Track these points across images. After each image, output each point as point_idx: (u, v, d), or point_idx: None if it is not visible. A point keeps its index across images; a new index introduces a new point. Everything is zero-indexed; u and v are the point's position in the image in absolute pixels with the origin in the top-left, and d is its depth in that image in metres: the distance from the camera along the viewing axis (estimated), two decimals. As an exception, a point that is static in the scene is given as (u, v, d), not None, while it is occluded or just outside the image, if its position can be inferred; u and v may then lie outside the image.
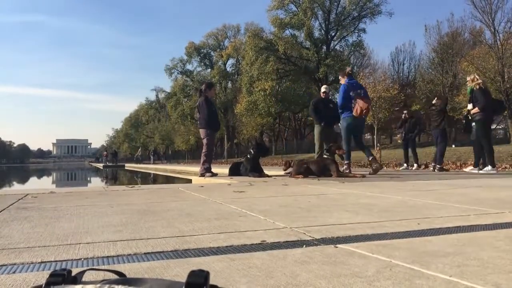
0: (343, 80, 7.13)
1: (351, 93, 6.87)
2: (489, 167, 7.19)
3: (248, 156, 7.10)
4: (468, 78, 7.87)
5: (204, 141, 7.14)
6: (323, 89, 8.37)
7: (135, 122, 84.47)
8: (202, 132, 7.17)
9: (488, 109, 7.21)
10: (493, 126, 33.45)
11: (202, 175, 6.98)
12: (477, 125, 7.31)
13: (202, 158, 7.16)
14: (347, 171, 6.57)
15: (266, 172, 7.02)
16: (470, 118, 7.56)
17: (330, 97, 8.78)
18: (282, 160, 19.79)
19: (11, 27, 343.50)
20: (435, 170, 8.21)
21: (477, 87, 7.27)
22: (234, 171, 7.22)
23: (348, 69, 7.45)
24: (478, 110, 7.13)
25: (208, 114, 7.01)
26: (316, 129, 8.05)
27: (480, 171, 7.32)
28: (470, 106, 7.43)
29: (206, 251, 1.45)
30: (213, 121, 7.18)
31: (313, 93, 33.55)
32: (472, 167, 7.71)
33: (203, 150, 7.17)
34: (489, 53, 24.80)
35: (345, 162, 6.86)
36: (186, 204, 2.94)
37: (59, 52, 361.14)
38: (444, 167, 8.57)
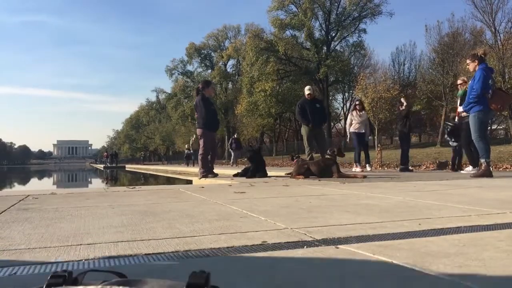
0: (473, 65, 5.95)
1: (489, 81, 5.80)
2: (470, 168, 7.39)
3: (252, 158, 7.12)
4: (459, 81, 7.89)
5: (200, 142, 6.81)
6: (306, 90, 8.17)
7: (136, 123, 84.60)
8: (198, 132, 6.85)
9: None
10: (494, 127, 33.45)
11: (204, 176, 6.73)
12: (466, 127, 7.37)
13: (199, 162, 6.87)
14: (484, 171, 5.75)
15: (267, 172, 7.04)
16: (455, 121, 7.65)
17: (315, 97, 8.51)
18: (282, 161, 19.81)
19: (12, 27, 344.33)
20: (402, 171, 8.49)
21: None
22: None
23: (481, 51, 6.23)
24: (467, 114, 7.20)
25: (206, 113, 6.66)
26: (304, 131, 7.99)
27: (462, 171, 7.45)
28: (460, 108, 7.45)
29: (207, 252, 1.45)
30: (211, 120, 6.80)
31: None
32: (471, 168, 7.73)
33: (199, 152, 6.86)
34: (489, 53, 24.78)
35: (485, 160, 5.87)
36: (186, 205, 2.94)
37: (59, 52, 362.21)
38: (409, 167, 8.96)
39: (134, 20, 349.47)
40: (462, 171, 7.89)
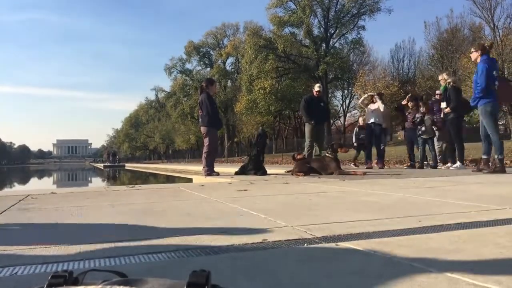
0: (475, 55, 5.85)
1: (494, 73, 5.68)
2: (458, 164, 7.39)
3: (252, 156, 7.11)
4: (440, 77, 7.88)
5: (206, 140, 6.77)
6: (316, 87, 8.29)
7: (135, 122, 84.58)
8: (203, 130, 6.78)
9: (459, 108, 7.30)
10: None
11: (209, 174, 6.70)
12: (450, 123, 7.43)
13: (204, 160, 6.79)
14: (498, 166, 5.60)
15: (267, 170, 7.03)
16: (442, 116, 7.73)
17: (322, 96, 8.61)
18: (282, 159, 19.81)
19: (11, 26, 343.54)
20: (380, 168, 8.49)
21: (451, 85, 7.39)
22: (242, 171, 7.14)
23: (487, 42, 6.17)
24: (450, 110, 7.24)
25: (212, 111, 6.66)
26: (307, 127, 8.10)
27: (451, 167, 7.48)
28: (444, 104, 7.48)
29: (207, 251, 1.45)
30: (216, 119, 6.85)
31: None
32: (450, 164, 7.73)
33: (205, 150, 6.82)
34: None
35: (499, 157, 5.71)
36: (187, 203, 2.94)
37: (58, 50, 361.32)
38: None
39: (133, 18, 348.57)
40: (451, 168, 7.85)
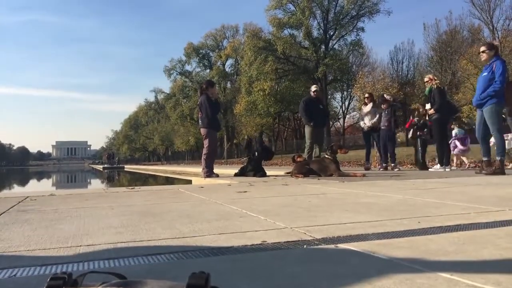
0: (489, 55, 5.59)
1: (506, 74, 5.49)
2: (438, 166, 7.55)
3: (252, 157, 7.08)
4: (426, 78, 7.86)
5: (206, 142, 6.78)
6: (313, 88, 8.37)
7: (135, 123, 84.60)
8: (203, 131, 6.80)
9: (443, 110, 7.35)
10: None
11: (208, 176, 6.70)
12: (433, 124, 7.50)
13: (203, 161, 6.79)
14: (497, 168, 5.54)
15: (266, 172, 7.03)
16: (427, 118, 7.83)
17: (320, 97, 8.66)
18: (282, 160, 19.81)
19: (11, 27, 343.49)
20: (394, 170, 8.36)
21: (436, 86, 7.43)
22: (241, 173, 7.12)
23: (495, 42, 6.03)
24: (434, 111, 7.28)
25: (211, 113, 6.67)
26: (307, 129, 8.16)
27: (430, 169, 7.58)
28: (428, 106, 7.51)
29: (207, 252, 1.45)
30: (215, 120, 6.86)
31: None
32: (438, 165, 7.74)
33: (204, 152, 6.82)
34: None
35: (500, 158, 5.63)
36: (186, 205, 2.94)
37: (57, 51, 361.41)
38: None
39: (133, 19, 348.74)
40: (430, 169, 7.85)
